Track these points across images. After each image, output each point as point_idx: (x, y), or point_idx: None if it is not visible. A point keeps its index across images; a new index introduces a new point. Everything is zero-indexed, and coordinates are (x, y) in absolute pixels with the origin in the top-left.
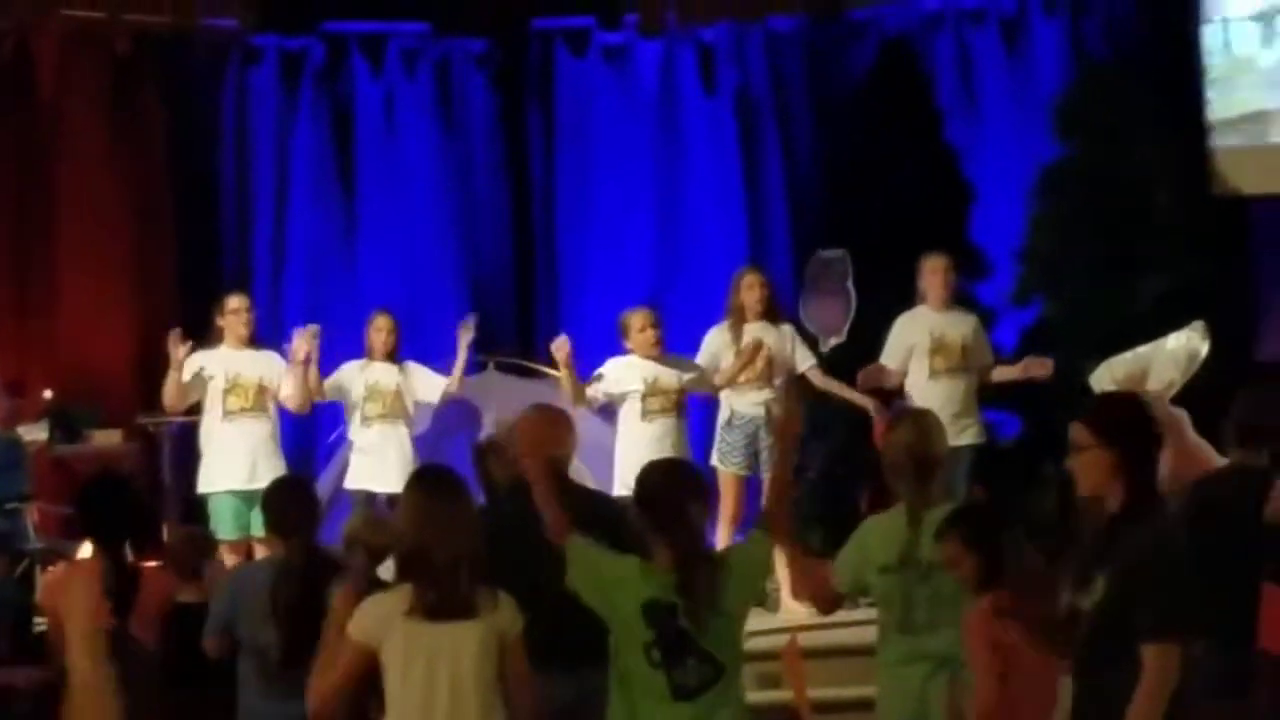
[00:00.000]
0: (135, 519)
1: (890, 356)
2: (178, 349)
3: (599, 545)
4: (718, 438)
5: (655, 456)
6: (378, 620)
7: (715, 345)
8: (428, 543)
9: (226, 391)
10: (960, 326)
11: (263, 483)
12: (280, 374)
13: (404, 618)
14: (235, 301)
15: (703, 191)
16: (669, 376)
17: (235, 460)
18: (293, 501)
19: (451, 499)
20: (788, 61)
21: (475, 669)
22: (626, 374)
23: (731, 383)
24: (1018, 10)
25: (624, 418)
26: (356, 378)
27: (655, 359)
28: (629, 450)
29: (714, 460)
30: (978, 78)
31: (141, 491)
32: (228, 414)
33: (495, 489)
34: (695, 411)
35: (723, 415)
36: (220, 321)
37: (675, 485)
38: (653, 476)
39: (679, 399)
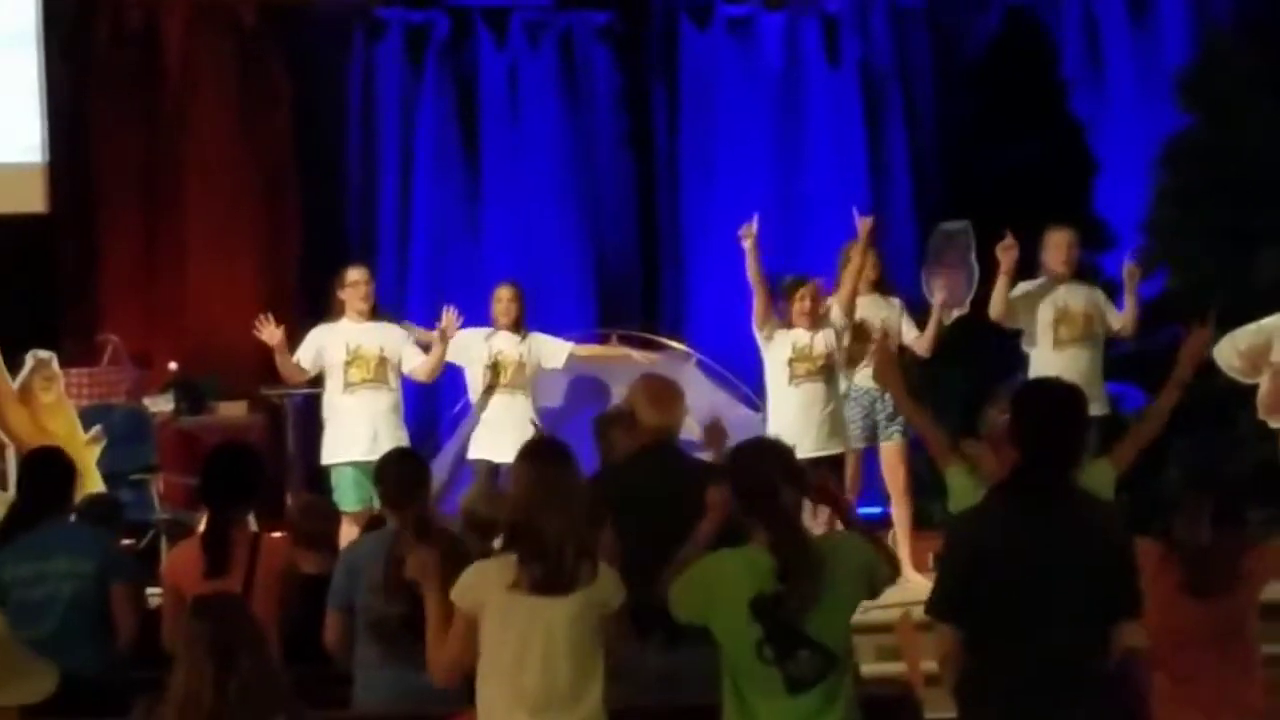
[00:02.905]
0: (256, 487)
1: (995, 301)
2: (265, 332)
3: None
4: None
5: (803, 421)
6: (478, 588)
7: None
8: (535, 516)
9: (348, 364)
10: (1083, 297)
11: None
12: (401, 345)
13: (505, 589)
14: (355, 274)
15: (825, 164)
16: (819, 343)
17: (357, 432)
18: (403, 473)
19: (560, 472)
20: (911, 32)
21: (569, 643)
22: (776, 351)
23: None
24: None
25: (771, 383)
26: (480, 345)
27: (805, 327)
28: (777, 415)
29: None
30: (1103, 48)
31: (265, 460)
32: (349, 386)
33: (613, 458)
34: None
35: (840, 389)
36: (340, 294)
37: (767, 467)
38: (743, 459)
39: (827, 364)
